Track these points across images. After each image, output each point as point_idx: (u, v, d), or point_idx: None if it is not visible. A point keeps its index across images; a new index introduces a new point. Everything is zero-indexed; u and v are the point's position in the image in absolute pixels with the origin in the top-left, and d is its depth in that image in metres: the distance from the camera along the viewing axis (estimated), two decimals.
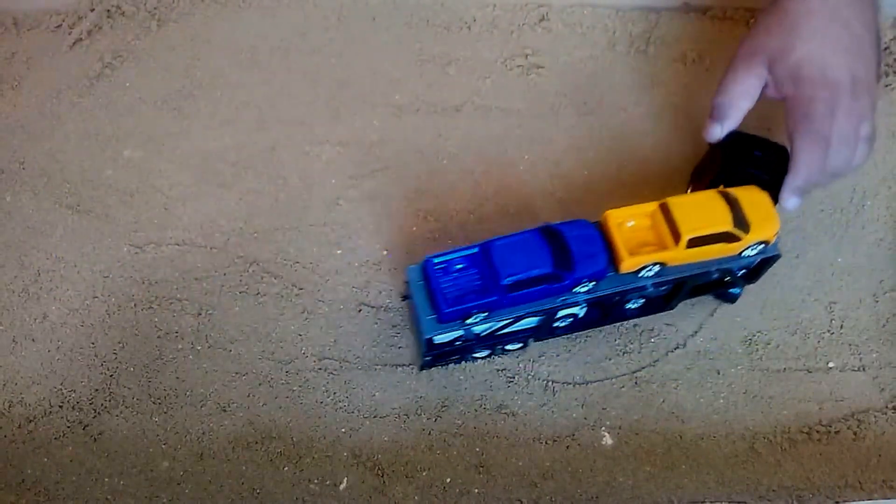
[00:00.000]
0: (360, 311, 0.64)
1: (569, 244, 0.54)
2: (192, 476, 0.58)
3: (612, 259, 0.55)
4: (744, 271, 0.61)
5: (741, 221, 0.56)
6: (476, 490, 0.58)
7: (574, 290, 0.55)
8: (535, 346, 0.63)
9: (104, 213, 0.68)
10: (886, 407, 0.62)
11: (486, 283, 0.54)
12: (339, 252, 0.67)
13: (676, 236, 0.55)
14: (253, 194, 0.69)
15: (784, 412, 0.61)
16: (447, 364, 0.62)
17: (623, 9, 0.79)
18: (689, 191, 0.65)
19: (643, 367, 0.63)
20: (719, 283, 0.62)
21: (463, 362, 0.62)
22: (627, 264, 0.55)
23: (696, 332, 0.64)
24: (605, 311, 0.60)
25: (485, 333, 0.57)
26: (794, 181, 0.57)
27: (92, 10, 0.78)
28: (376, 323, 0.64)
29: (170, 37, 0.77)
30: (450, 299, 0.53)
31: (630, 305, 0.61)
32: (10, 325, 0.63)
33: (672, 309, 0.63)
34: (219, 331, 0.63)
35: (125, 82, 0.75)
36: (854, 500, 0.57)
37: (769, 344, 0.64)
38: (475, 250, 0.55)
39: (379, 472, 0.58)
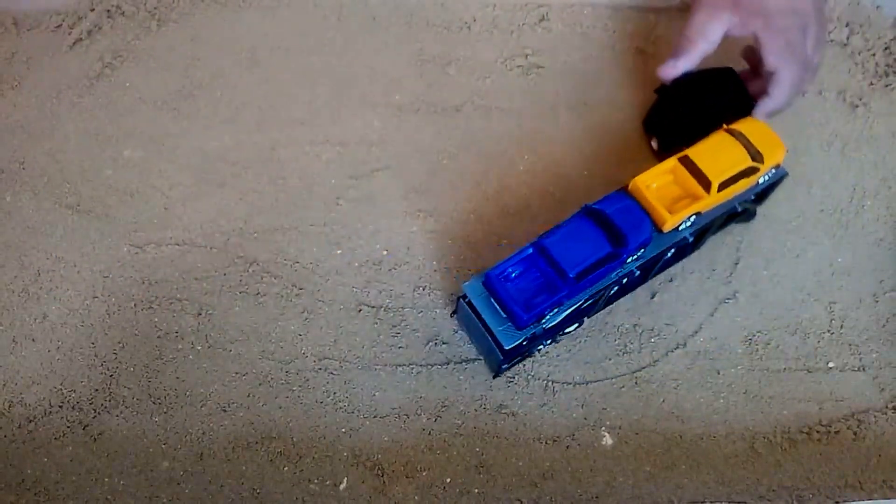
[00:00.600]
0: (360, 311, 0.64)
1: (614, 220, 0.56)
2: (192, 476, 0.58)
3: (654, 222, 0.58)
4: (755, 196, 0.65)
5: (755, 154, 0.60)
6: (476, 490, 0.58)
7: (627, 261, 0.58)
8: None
9: (104, 213, 0.68)
10: (886, 407, 0.62)
11: (550, 280, 0.55)
12: (339, 252, 0.67)
13: (707, 184, 0.58)
14: (253, 194, 0.69)
15: (784, 412, 0.61)
16: (515, 364, 0.62)
17: (623, 9, 0.79)
18: (652, 143, 0.70)
19: (643, 367, 0.63)
20: (736, 213, 0.65)
21: (529, 357, 0.62)
22: (670, 223, 0.58)
23: (696, 332, 0.64)
24: (647, 271, 0.62)
25: (551, 325, 0.57)
26: (773, 105, 0.62)
27: (92, 10, 0.78)
28: (376, 323, 0.64)
29: (170, 37, 0.77)
30: (524, 305, 0.54)
31: (667, 257, 0.62)
32: (10, 325, 0.63)
33: (699, 248, 0.65)
34: (219, 331, 0.63)
35: (125, 82, 0.75)
36: (854, 500, 0.57)
37: (769, 344, 0.64)
38: (529, 251, 0.55)
39: (379, 472, 0.58)
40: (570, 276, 0.54)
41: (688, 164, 0.59)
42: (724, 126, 0.61)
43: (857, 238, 0.69)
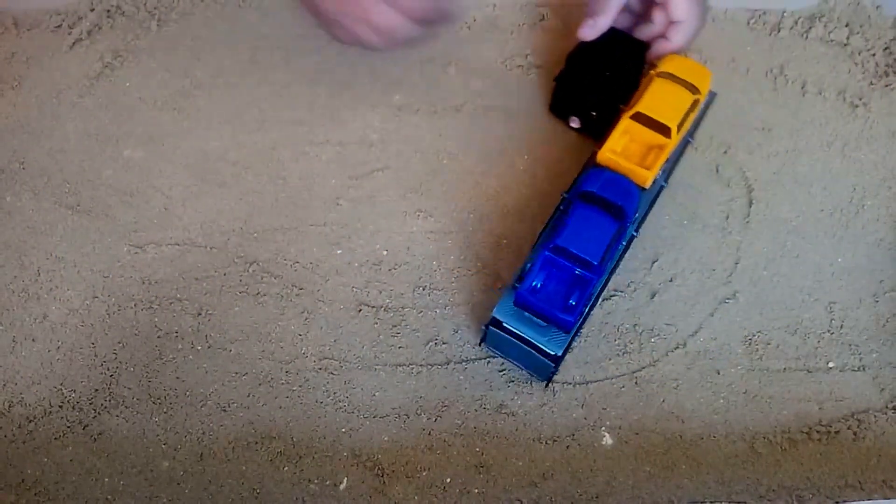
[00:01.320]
0: (360, 311, 0.64)
1: (606, 197, 0.57)
2: (192, 476, 0.58)
3: (636, 183, 0.60)
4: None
5: (692, 87, 0.62)
6: (476, 490, 0.58)
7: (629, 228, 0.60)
8: None
9: (104, 213, 0.68)
10: (886, 407, 0.62)
11: (577, 275, 0.55)
12: (339, 252, 0.67)
13: (666, 131, 0.60)
14: (253, 194, 0.69)
15: (784, 412, 0.61)
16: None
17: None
18: (572, 124, 0.72)
19: (643, 367, 0.63)
20: (687, 144, 0.68)
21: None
22: (650, 178, 0.60)
23: (696, 332, 0.64)
24: (639, 226, 0.64)
25: (586, 313, 0.59)
26: (672, 49, 0.65)
27: (92, 10, 0.78)
28: (376, 323, 0.64)
29: (170, 37, 0.77)
30: (564, 309, 0.54)
31: (652, 208, 0.65)
32: (10, 325, 0.63)
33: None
34: (219, 331, 0.63)
35: (125, 82, 0.75)
36: (854, 500, 0.57)
37: (769, 344, 0.64)
38: (545, 255, 0.56)
39: (379, 472, 0.58)
40: (596, 264, 0.55)
41: (640, 118, 0.61)
42: (654, 72, 0.63)
43: (857, 238, 0.69)
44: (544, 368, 0.58)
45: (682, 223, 0.69)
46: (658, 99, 0.61)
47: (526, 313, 0.56)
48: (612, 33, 0.68)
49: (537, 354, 0.57)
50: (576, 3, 0.79)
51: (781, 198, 0.70)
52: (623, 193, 0.57)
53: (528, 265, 0.57)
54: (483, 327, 0.60)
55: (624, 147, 0.61)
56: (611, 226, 0.56)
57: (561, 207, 0.61)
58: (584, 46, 0.68)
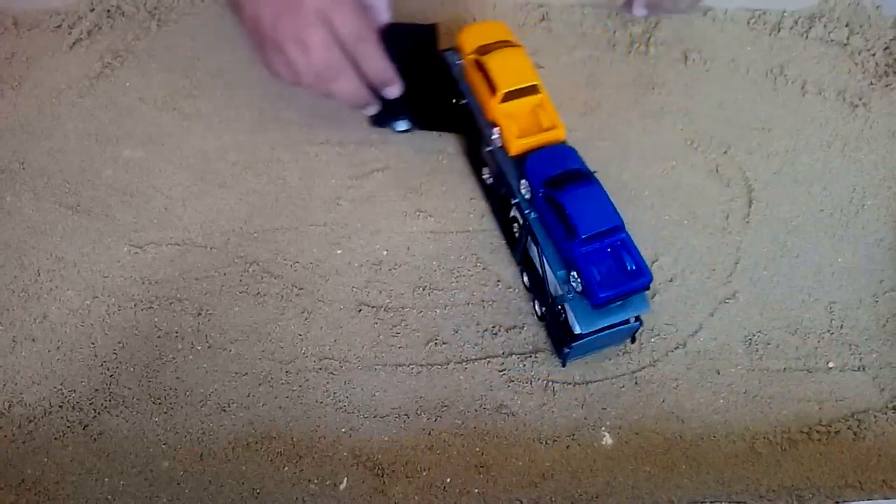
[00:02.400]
0: (360, 311, 0.64)
1: (563, 170, 0.58)
2: (192, 476, 0.58)
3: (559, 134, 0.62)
4: None
5: (508, 42, 0.65)
6: (476, 490, 0.58)
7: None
8: (532, 346, 0.63)
9: (104, 213, 0.68)
10: (886, 407, 0.62)
11: (614, 245, 0.56)
12: (339, 252, 0.67)
13: (533, 89, 0.63)
14: (253, 194, 0.69)
15: (784, 412, 0.61)
16: None
17: (623, 8, 0.79)
18: (397, 126, 0.71)
19: (643, 367, 0.63)
20: None
21: None
22: (563, 131, 0.62)
23: (696, 332, 0.64)
24: None
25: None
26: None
27: (92, 10, 0.78)
28: (376, 323, 0.64)
29: (170, 37, 0.77)
30: (633, 275, 0.55)
31: None
32: (10, 325, 0.63)
33: None
34: (219, 331, 0.63)
35: (125, 82, 0.75)
36: (854, 500, 0.57)
37: (769, 344, 0.64)
38: (580, 251, 0.55)
39: (379, 472, 0.58)
40: (619, 224, 0.56)
41: (508, 96, 0.62)
42: (472, 56, 0.64)
43: (857, 238, 0.69)
44: (632, 330, 0.60)
45: (682, 223, 0.69)
46: (506, 70, 0.62)
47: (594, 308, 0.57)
48: (392, 28, 0.66)
49: (624, 326, 0.58)
50: (576, 3, 0.79)
51: (781, 198, 0.70)
52: (567, 157, 0.59)
53: (565, 272, 0.57)
54: (565, 350, 0.60)
55: (520, 127, 0.62)
56: (594, 186, 0.57)
57: (530, 217, 0.60)
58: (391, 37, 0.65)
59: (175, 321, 0.63)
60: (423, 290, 0.65)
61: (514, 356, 0.63)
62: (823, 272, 0.67)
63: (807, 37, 0.78)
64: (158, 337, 0.63)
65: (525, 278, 0.65)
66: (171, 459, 0.59)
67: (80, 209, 0.68)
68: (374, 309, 0.64)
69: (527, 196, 0.60)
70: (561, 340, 0.60)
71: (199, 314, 0.64)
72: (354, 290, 0.65)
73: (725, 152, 0.72)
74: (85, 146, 0.71)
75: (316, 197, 0.69)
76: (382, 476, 0.58)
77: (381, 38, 0.63)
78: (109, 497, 0.57)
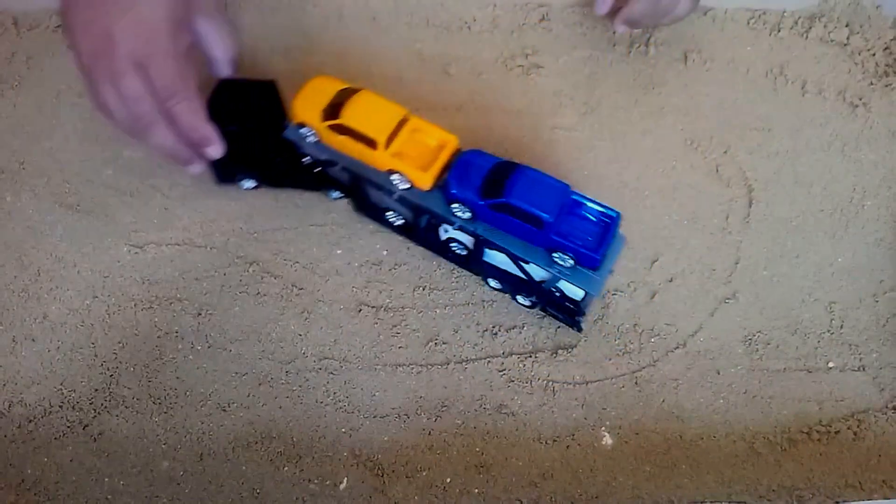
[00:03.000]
0: (360, 311, 0.64)
1: (483, 168, 0.58)
2: (192, 476, 0.58)
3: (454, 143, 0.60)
4: None
5: (352, 89, 0.62)
6: (476, 490, 0.58)
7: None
8: (532, 345, 0.63)
9: (104, 213, 0.68)
10: (886, 407, 0.62)
11: (576, 205, 0.57)
12: (339, 252, 0.67)
13: (400, 114, 0.60)
14: (253, 194, 0.69)
15: (784, 412, 0.61)
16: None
17: None
18: (244, 185, 0.68)
19: (643, 367, 0.63)
20: None
21: None
22: (454, 139, 0.60)
23: (696, 332, 0.64)
24: None
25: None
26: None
27: None
28: (376, 323, 0.64)
29: None
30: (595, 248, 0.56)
31: None
32: (10, 325, 0.63)
33: None
34: (219, 331, 0.63)
35: None
36: (854, 500, 0.57)
37: (769, 344, 0.64)
38: (554, 237, 0.56)
39: (379, 472, 0.58)
40: (565, 186, 0.57)
41: (390, 139, 0.59)
42: (341, 121, 0.59)
43: (857, 238, 0.69)
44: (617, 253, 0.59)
45: (682, 223, 0.69)
46: (370, 119, 0.59)
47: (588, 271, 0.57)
48: (231, 84, 0.63)
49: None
50: (576, 3, 0.79)
51: (781, 198, 0.70)
52: (477, 160, 0.58)
53: (547, 259, 0.57)
54: (578, 319, 0.61)
55: (418, 162, 0.59)
56: (521, 170, 0.57)
57: (485, 227, 0.59)
58: (216, 106, 0.61)
59: (175, 321, 0.63)
60: (423, 290, 0.65)
61: (514, 356, 0.63)
62: (823, 272, 0.67)
63: (807, 37, 0.78)
64: (158, 337, 0.63)
65: (493, 284, 0.64)
66: (171, 459, 0.59)
67: (80, 209, 0.68)
68: (374, 309, 0.64)
69: (466, 216, 0.59)
70: (570, 311, 0.61)
71: (199, 314, 0.64)
72: (354, 290, 0.65)
73: (725, 152, 0.72)
74: (85, 146, 0.71)
75: (316, 197, 0.69)
76: (382, 476, 0.58)
77: (219, 94, 0.62)
78: (109, 497, 0.57)
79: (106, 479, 0.58)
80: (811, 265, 0.67)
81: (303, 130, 0.61)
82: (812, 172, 0.72)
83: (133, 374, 0.61)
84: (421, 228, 0.63)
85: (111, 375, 0.61)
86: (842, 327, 0.65)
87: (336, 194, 0.68)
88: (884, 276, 0.67)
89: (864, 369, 0.63)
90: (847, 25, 0.78)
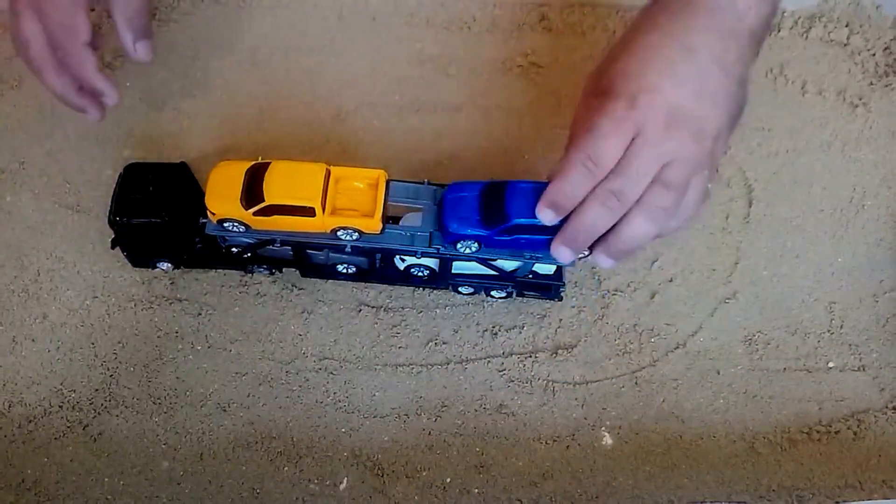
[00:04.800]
0: (360, 311, 0.64)
1: (472, 198, 0.56)
2: (192, 476, 0.58)
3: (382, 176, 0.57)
4: None
5: (262, 163, 0.58)
6: (476, 490, 0.58)
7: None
8: (532, 345, 0.63)
9: (104, 213, 0.68)
10: (886, 407, 0.62)
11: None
12: None
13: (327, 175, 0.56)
14: None
15: (784, 412, 0.61)
16: None
17: (623, 9, 0.79)
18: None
19: (643, 367, 0.63)
20: None
21: None
22: (383, 174, 0.57)
23: (696, 332, 0.64)
24: None
25: None
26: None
27: (92, 10, 0.78)
28: (376, 323, 0.64)
29: (170, 37, 0.77)
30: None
31: None
32: (10, 325, 0.63)
33: None
34: (219, 331, 0.63)
35: (125, 82, 0.75)
36: (854, 500, 0.57)
37: (769, 344, 0.64)
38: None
39: (379, 472, 0.58)
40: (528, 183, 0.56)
41: (322, 200, 0.55)
42: (270, 185, 0.56)
43: (857, 238, 0.69)
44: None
45: None
46: (294, 188, 0.55)
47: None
48: (140, 167, 0.62)
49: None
50: (576, 3, 0.79)
51: (781, 198, 0.70)
52: (470, 190, 0.57)
53: (523, 261, 0.57)
54: (560, 289, 0.62)
55: (358, 209, 0.56)
56: (507, 187, 0.55)
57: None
58: (125, 193, 0.61)
59: (175, 321, 0.63)
60: (423, 290, 0.65)
61: (514, 356, 0.63)
62: (823, 272, 0.67)
63: (807, 37, 0.78)
64: (158, 337, 0.63)
65: (465, 290, 0.64)
66: (171, 459, 0.59)
67: (80, 209, 0.68)
68: (374, 309, 0.64)
69: (472, 250, 0.57)
70: (547, 287, 0.62)
71: (199, 314, 0.64)
72: (354, 290, 0.65)
73: (725, 152, 0.72)
74: (85, 146, 0.71)
75: None
76: (382, 476, 0.58)
77: (128, 179, 0.60)
78: (109, 497, 0.57)
79: (106, 479, 0.58)
80: (811, 265, 0.67)
81: (226, 224, 0.57)
82: (812, 172, 0.72)
83: (133, 374, 0.61)
84: (377, 268, 0.62)
85: (111, 375, 0.61)
86: (842, 327, 0.65)
87: (262, 270, 0.64)
88: (884, 276, 0.67)
89: (864, 369, 0.63)
90: (847, 25, 0.78)
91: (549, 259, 0.56)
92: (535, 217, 0.53)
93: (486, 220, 0.55)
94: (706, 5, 0.51)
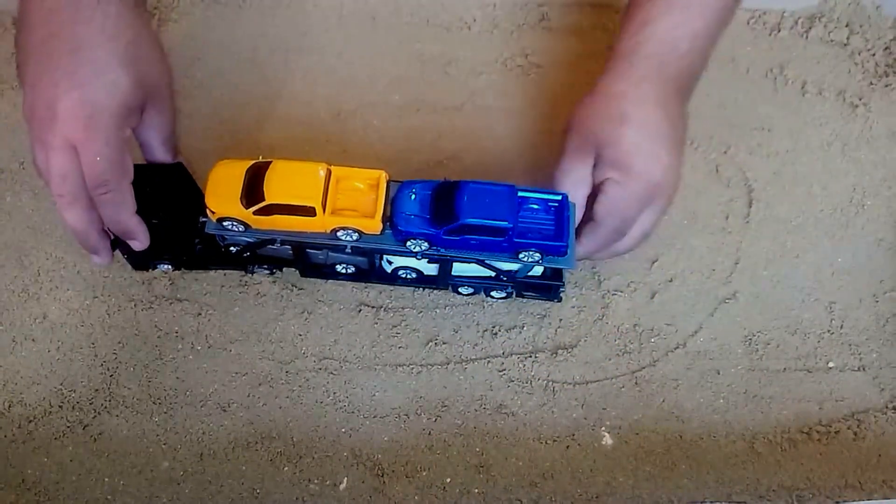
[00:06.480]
0: (360, 311, 0.64)
1: (422, 196, 0.56)
2: (192, 476, 0.58)
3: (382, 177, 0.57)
4: None
5: (264, 162, 0.57)
6: (476, 490, 0.58)
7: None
8: (532, 345, 0.63)
9: None
10: (886, 407, 0.62)
11: (523, 200, 0.57)
12: None
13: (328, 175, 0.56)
14: None
15: (784, 412, 0.61)
16: None
17: (623, 9, 0.79)
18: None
19: (643, 367, 0.63)
20: None
21: None
22: (383, 175, 0.57)
23: (696, 332, 0.64)
24: None
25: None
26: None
27: None
28: (376, 323, 0.64)
29: (170, 37, 0.77)
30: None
31: None
32: (10, 325, 0.63)
33: None
34: (219, 331, 0.63)
35: None
36: (854, 500, 0.57)
37: (769, 344, 0.64)
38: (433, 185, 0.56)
39: (379, 472, 0.58)
40: (506, 188, 0.56)
41: (323, 199, 0.55)
42: (270, 186, 0.55)
43: (857, 238, 0.69)
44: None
45: (682, 223, 0.69)
46: (295, 188, 0.55)
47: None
48: (138, 168, 0.57)
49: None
50: (576, 3, 0.79)
51: (781, 198, 0.70)
52: (423, 188, 0.56)
53: (518, 261, 0.57)
54: (560, 290, 0.62)
55: (359, 210, 0.56)
56: (463, 186, 0.55)
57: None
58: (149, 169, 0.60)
59: (175, 321, 0.63)
60: (423, 290, 0.65)
61: (514, 356, 0.63)
62: (823, 272, 0.67)
63: (807, 37, 0.78)
64: (158, 337, 0.63)
65: (464, 291, 0.64)
66: (171, 459, 0.59)
67: None
68: (374, 309, 0.64)
69: (423, 248, 0.57)
70: (547, 288, 0.62)
71: (199, 314, 0.64)
72: (354, 290, 0.65)
73: (725, 152, 0.72)
74: None
75: None
76: (382, 476, 0.58)
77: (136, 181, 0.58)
78: (109, 497, 0.57)
79: (106, 479, 0.58)
80: (811, 265, 0.67)
81: (226, 223, 0.56)
82: (812, 172, 0.72)
83: (133, 374, 0.61)
84: (377, 268, 0.62)
85: (111, 375, 0.61)
86: (842, 327, 0.65)
87: (262, 270, 0.64)
88: (884, 276, 0.67)
89: (864, 369, 0.63)
90: (847, 25, 0.78)
91: (550, 261, 0.57)
92: (487, 217, 0.54)
93: (436, 219, 0.55)
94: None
